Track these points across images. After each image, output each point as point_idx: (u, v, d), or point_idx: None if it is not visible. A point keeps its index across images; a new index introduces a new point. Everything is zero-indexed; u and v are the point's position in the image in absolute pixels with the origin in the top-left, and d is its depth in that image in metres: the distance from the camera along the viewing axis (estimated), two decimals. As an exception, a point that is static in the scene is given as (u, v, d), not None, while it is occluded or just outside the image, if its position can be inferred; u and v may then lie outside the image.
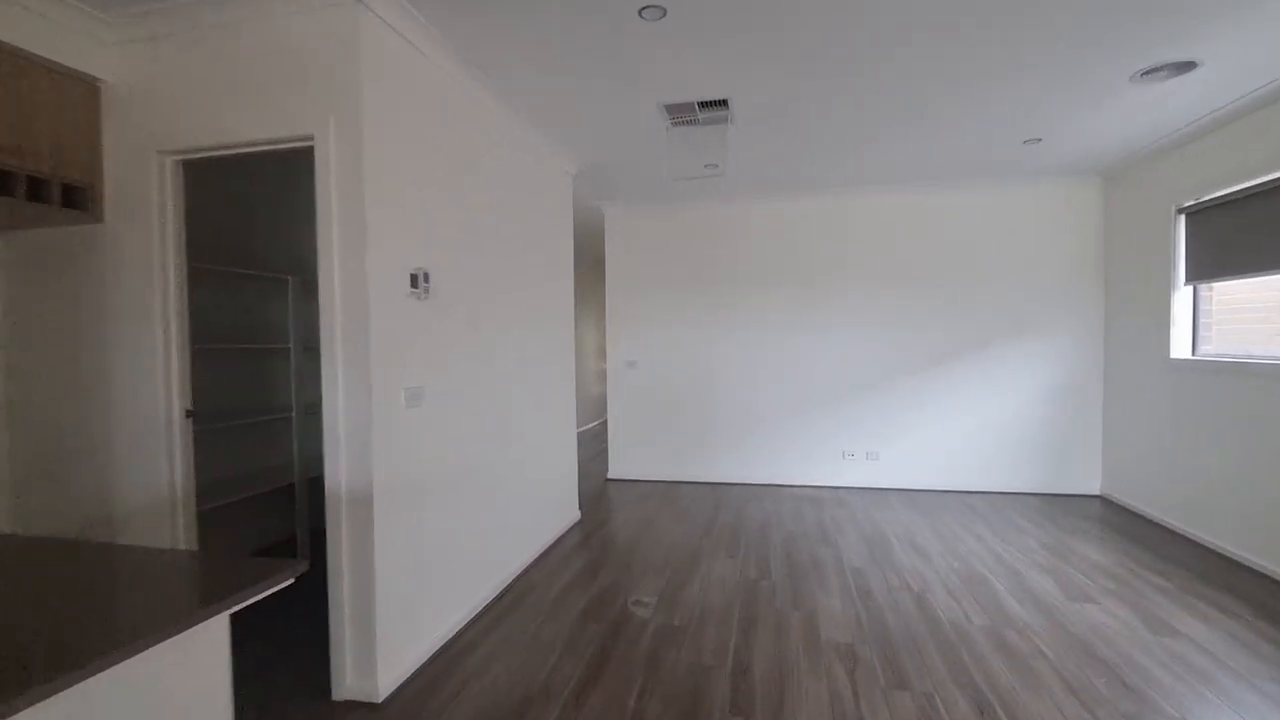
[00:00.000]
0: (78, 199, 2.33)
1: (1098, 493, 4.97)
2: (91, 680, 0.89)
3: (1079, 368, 4.95)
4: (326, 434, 2.24)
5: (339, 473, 2.23)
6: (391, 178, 2.35)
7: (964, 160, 4.46)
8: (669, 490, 5.30)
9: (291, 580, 1.20)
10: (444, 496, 2.69)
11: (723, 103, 3.28)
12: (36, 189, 2.19)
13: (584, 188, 5.08)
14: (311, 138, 2.24)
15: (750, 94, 3.21)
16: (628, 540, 4.00)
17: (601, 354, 9.88)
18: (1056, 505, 4.72)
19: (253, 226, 3.77)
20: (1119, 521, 4.29)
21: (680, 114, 3.39)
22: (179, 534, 2.43)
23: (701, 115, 3.41)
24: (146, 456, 2.41)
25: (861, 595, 3.11)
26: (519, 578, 3.37)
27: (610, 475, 5.76)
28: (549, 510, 3.93)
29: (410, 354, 2.45)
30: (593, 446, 7.44)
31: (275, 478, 3.57)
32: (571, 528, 4.28)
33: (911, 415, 5.22)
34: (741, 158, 4.27)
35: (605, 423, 7.41)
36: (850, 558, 3.63)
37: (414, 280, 2.44)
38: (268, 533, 3.88)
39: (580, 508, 4.71)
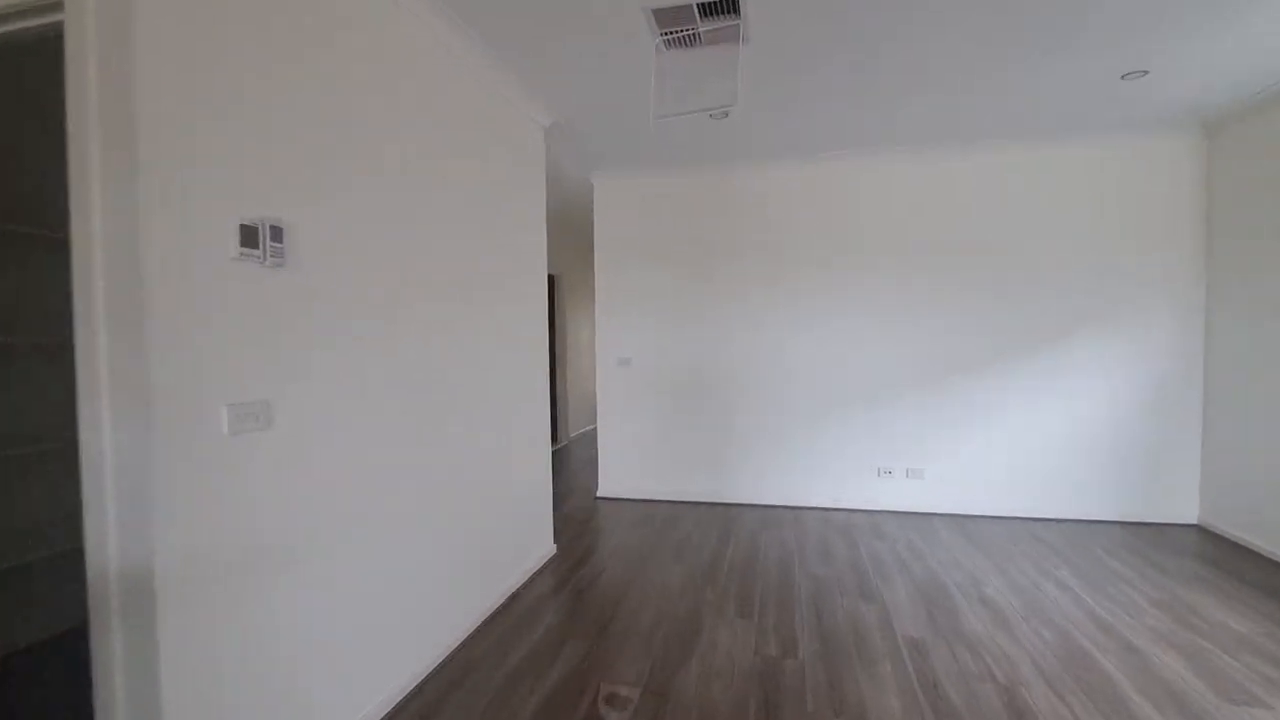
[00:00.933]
0: None
1: (1194, 521, 4.03)
2: None
3: (1172, 368, 4.00)
4: (84, 478, 1.38)
5: (105, 542, 1.38)
6: (215, 71, 1.48)
7: (1040, 109, 3.52)
8: (669, 514, 4.42)
9: None
10: (318, 562, 1.83)
11: (733, 5, 2.38)
12: None
13: (569, 154, 4.20)
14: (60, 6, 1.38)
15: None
16: (610, 589, 3.12)
17: (600, 350, 9.01)
18: (1146, 538, 3.79)
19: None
20: (1235, 562, 3.35)
21: (673, 24, 2.50)
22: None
23: (703, 26, 2.51)
24: None
25: (927, 689, 2.22)
26: (456, 653, 2.51)
27: (600, 493, 4.89)
28: (507, 550, 3.07)
29: (244, 352, 1.58)
30: (585, 453, 6.57)
31: (29, 544, 2.44)
32: (541, 568, 3.41)
33: (963, 425, 4.29)
34: (756, 105, 3.37)
35: (600, 428, 6.55)
36: (902, 621, 2.73)
37: (249, 237, 1.57)
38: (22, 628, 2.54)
39: (558, 538, 3.85)
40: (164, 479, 1.38)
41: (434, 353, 2.45)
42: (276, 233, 1.66)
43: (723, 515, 4.37)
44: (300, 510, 1.75)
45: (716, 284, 4.60)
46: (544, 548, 3.53)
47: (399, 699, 2.17)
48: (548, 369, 3.69)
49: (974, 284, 4.22)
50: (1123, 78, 3.18)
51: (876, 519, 4.24)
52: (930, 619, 2.75)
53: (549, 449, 3.67)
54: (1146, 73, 3.13)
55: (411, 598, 2.26)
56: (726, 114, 3.52)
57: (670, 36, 2.58)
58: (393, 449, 2.17)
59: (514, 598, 3.03)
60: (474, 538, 2.73)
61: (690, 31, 2.54)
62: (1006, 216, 4.17)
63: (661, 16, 2.45)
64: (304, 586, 1.77)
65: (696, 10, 2.41)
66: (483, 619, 2.77)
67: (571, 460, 6.38)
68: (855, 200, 4.37)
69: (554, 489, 5.08)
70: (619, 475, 4.84)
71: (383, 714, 2.08)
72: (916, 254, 4.30)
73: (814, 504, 4.51)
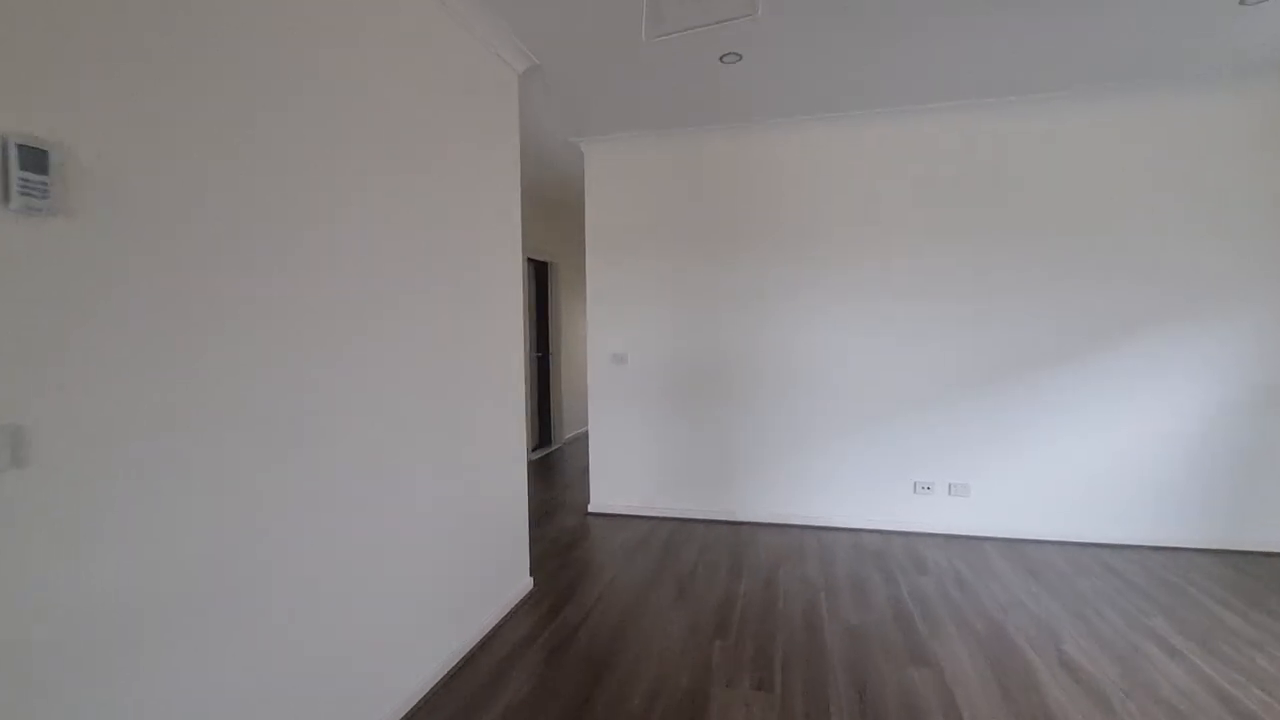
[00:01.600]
0: None
1: (1297, 549, 3.38)
2: None
3: (1273, 369, 3.34)
4: None
5: None
6: None
7: (1118, 52, 2.86)
8: (671, 535, 3.80)
9: None
10: (174, 645, 1.22)
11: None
12: None
13: (553, 112, 3.57)
14: None
15: None
16: (595, 645, 2.51)
17: (600, 345, 8.38)
18: (1247, 572, 3.14)
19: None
20: (1376, 611, 2.70)
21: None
22: None
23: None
24: None
25: (1023, 818, 1.59)
26: (384, 744, 1.91)
27: (593, 507, 4.28)
28: (466, 594, 2.46)
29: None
30: (581, 458, 5.96)
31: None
32: (512, 612, 2.80)
33: (1017, 433, 3.64)
34: (773, 52, 2.73)
35: (596, 431, 5.94)
36: (969, 697, 2.10)
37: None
38: None
39: (538, 569, 3.24)
40: None
41: (356, 350, 1.83)
42: (36, 159, 1.04)
43: (733, 537, 3.75)
44: (117, 575, 1.14)
45: (726, 268, 3.97)
46: (518, 584, 2.92)
47: (288, 829, 1.57)
48: (522, 365, 3.07)
49: (1035, 268, 3.56)
50: (1241, 2, 2.52)
51: (914, 543, 3.60)
52: (1004, 694, 2.12)
53: (524, 462, 3.06)
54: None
55: (305, 680, 1.66)
56: (740, 56, 2.88)
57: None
58: (278, 474, 1.55)
59: (474, 655, 2.42)
60: (416, 584, 2.12)
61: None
62: (1077, 189, 3.50)
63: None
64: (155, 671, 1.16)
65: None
66: (427, 687, 2.16)
67: (565, 466, 5.77)
68: (891, 169, 3.72)
69: (541, 501, 4.48)
70: (614, 487, 4.23)
71: None
72: (964, 232, 3.64)
73: (840, 524, 3.88)
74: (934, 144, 3.65)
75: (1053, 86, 3.32)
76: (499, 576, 2.73)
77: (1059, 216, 3.51)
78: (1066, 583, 3.02)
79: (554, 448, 6.60)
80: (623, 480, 4.20)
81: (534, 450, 6.32)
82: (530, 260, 6.30)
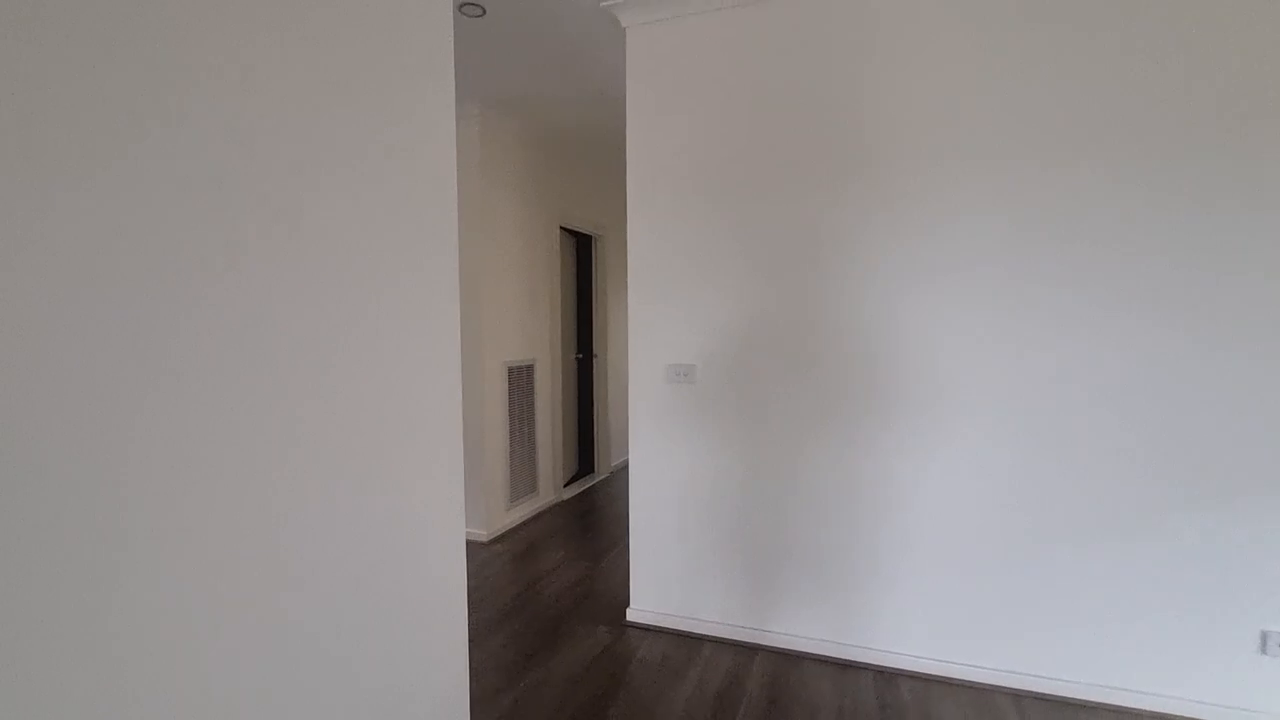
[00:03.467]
0: None
1: None
2: None
3: None
4: None
5: None
6: None
7: None
8: (773, 682, 2.13)
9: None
10: None
11: None
12: None
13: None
14: None
15: None
16: None
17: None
18: None
19: None
20: None
21: None
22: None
23: None
24: None
25: None
26: None
27: (635, 614, 2.66)
28: None
29: None
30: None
31: None
32: None
33: None
34: None
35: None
36: None
37: None
38: None
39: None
40: None
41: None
42: None
43: (891, 703, 2.04)
44: None
45: (855, 227, 2.22)
46: None
47: None
48: (458, 386, 1.49)
49: None
50: None
51: (1268, 760, 1.78)
52: None
53: (461, 557, 1.48)
54: None
55: None
56: None
57: None
58: None
59: None
60: None
61: None
62: None
63: None
64: None
65: None
66: None
67: (608, 511, 4.19)
68: (1140, 41, 1.88)
69: (561, 584, 2.87)
70: (665, 581, 2.58)
71: None
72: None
73: (1084, 692, 2.07)
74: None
75: None
76: None
77: None
78: None
79: (596, 479, 5.03)
80: (679, 567, 2.55)
81: (568, 484, 4.77)
82: (568, 231, 4.74)
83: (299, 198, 0.95)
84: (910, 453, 2.18)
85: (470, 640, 2.52)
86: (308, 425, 0.97)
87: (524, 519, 3.98)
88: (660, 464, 2.52)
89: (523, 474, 4.00)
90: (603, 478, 5.10)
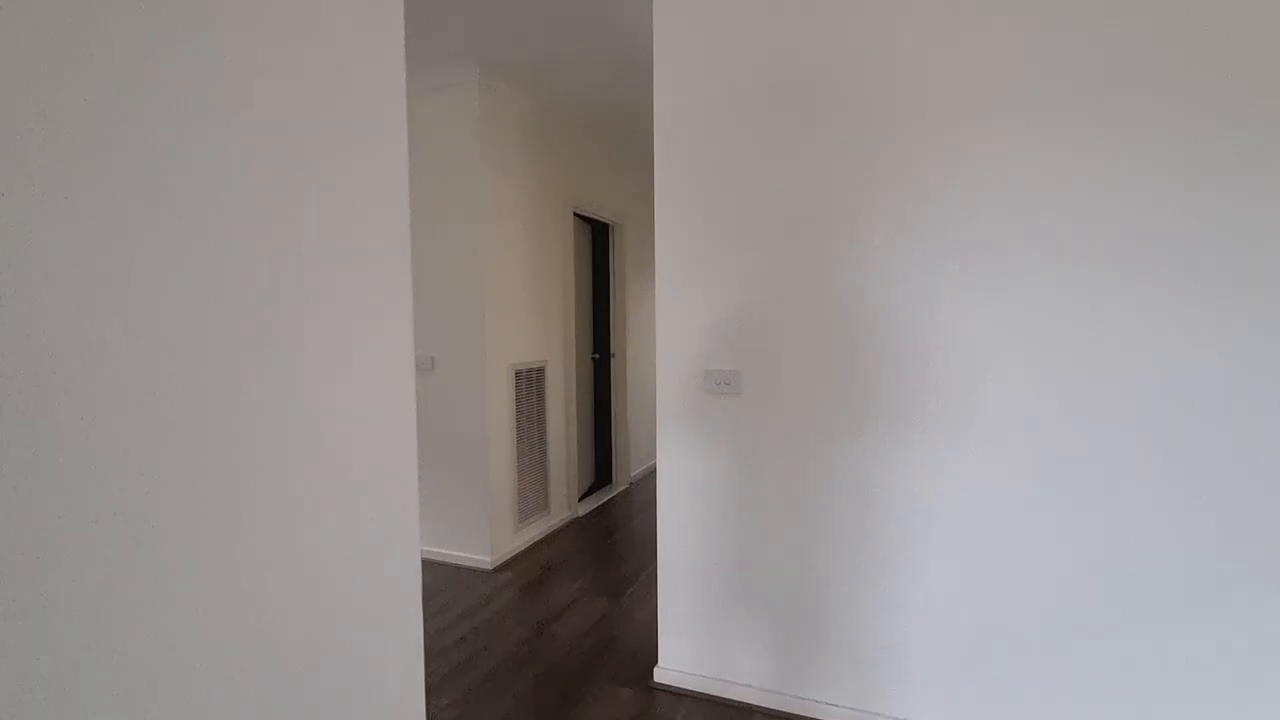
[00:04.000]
0: None
1: None
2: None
3: None
4: None
5: None
6: None
7: None
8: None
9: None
10: None
11: None
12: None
13: None
14: None
15: None
16: None
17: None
18: None
19: None
20: None
21: None
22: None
23: None
24: None
25: None
26: None
27: (661, 676, 2.19)
28: None
29: None
30: (652, 507, 3.91)
31: None
32: None
33: None
34: None
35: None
36: None
37: None
38: None
39: None
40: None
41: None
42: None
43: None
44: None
45: (927, 207, 1.74)
46: None
47: None
48: (410, 406, 1.13)
49: None
50: None
51: None
52: None
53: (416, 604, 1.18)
54: None
55: None
56: None
57: None
58: None
59: None
60: None
61: None
62: None
63: None
64: None
65: None
66: None
67: (630, 527, 3.73)
68: None
69: (574, 629, 2.40)
70: (699, 634, 2.11)
71: None
72: None
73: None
74: None
75: None
76: None
77: None
78: None
79: (615, 492, 4.57)
80: (717, 621, 2.08)
81: (584, 497, 4.32)
82: (582, 219, 4.28)
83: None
84: (1007, 500, 1.70)
85: (467, 701, 2.07)
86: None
87: (534, 540, 3.54)
88: (694, 489, 2.06)
89: (532, 490, 3.55)
90: (621, 489, 4.65)
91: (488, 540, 3.16)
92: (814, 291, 1.84)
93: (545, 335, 3.67)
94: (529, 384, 3.50)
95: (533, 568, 3.19)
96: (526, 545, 3.46)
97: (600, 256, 4.69)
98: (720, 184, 1.94)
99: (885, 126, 1.75)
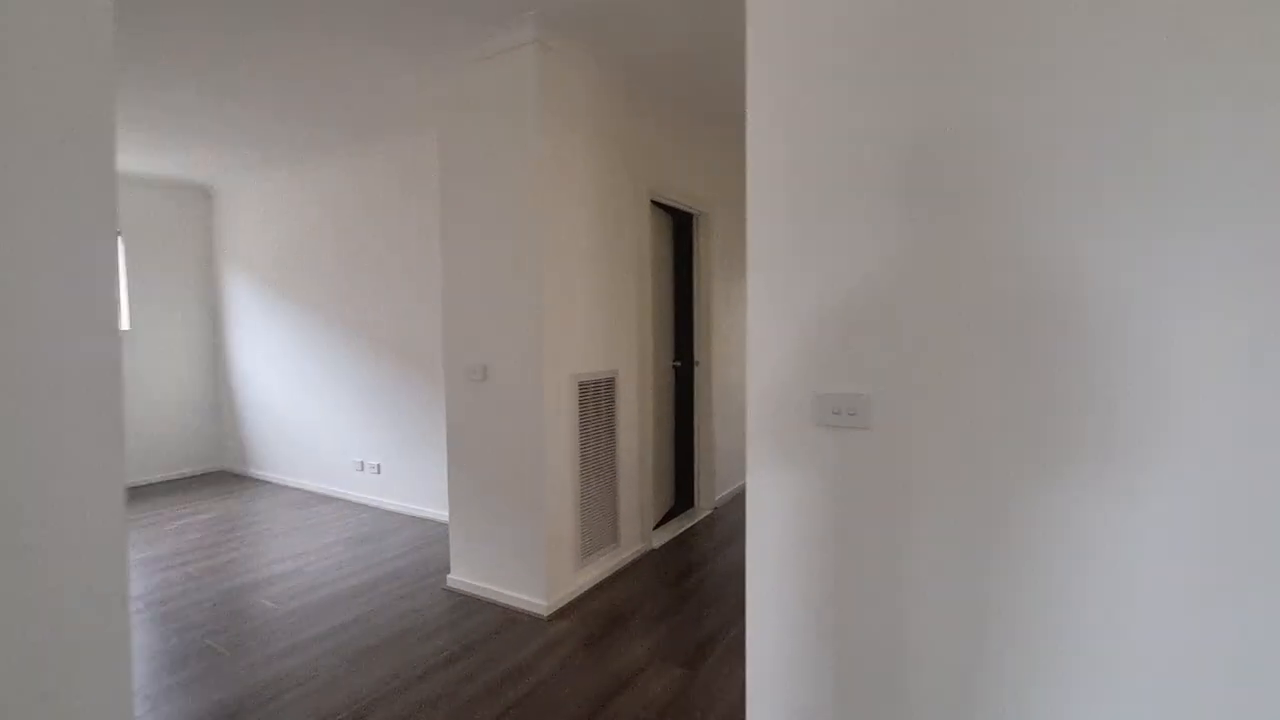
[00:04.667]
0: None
1: None
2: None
3: None
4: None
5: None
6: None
7: None
8: None
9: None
10: None
11: None
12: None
13: None
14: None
15: None
16: None
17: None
18: None
19: None
20: None
21: None
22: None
23: None
24: None
25: None
26: None
27: (755, 791, 1.62)
28: None
29: None
30: (741, 541, 3.31)
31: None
32: None
33: None
34: None
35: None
36: None
37: None
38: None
39: None
40: None
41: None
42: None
43: None
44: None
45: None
46: None
47: None
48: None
49: None
50: None
51: None
52: None
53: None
54: None
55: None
56: None
57: None
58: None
59: None
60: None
61: None
62: None
63: None
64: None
65: None
66: None
67: (715, 562, 3.16)
68: None
69: (649, 704, 1.86)
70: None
71: None
72: None
73: None
74: None
75: None
76: None
77: None
78: None
79: (696, 519, 4.00)
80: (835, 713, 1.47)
81: (660, 525, 3.79)
82: (661, 207, 3.77)
83: None
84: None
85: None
86: None
87: (599, 579, 3.04)
88: (796, 553, 1.46)
89: (598, 520, 3.06)
90: (704, 515, 4.08)
91: (543, 579, 2.69)
92: (977, 283, 1.21)
93: (616, 341, 3.18)
94: (596, 397, 3.01)
95: (596, 616, 2.70)
96: (590, 585, 2.98)
97: (682, 250, 4.15)
98: (835, 138, 1.34)
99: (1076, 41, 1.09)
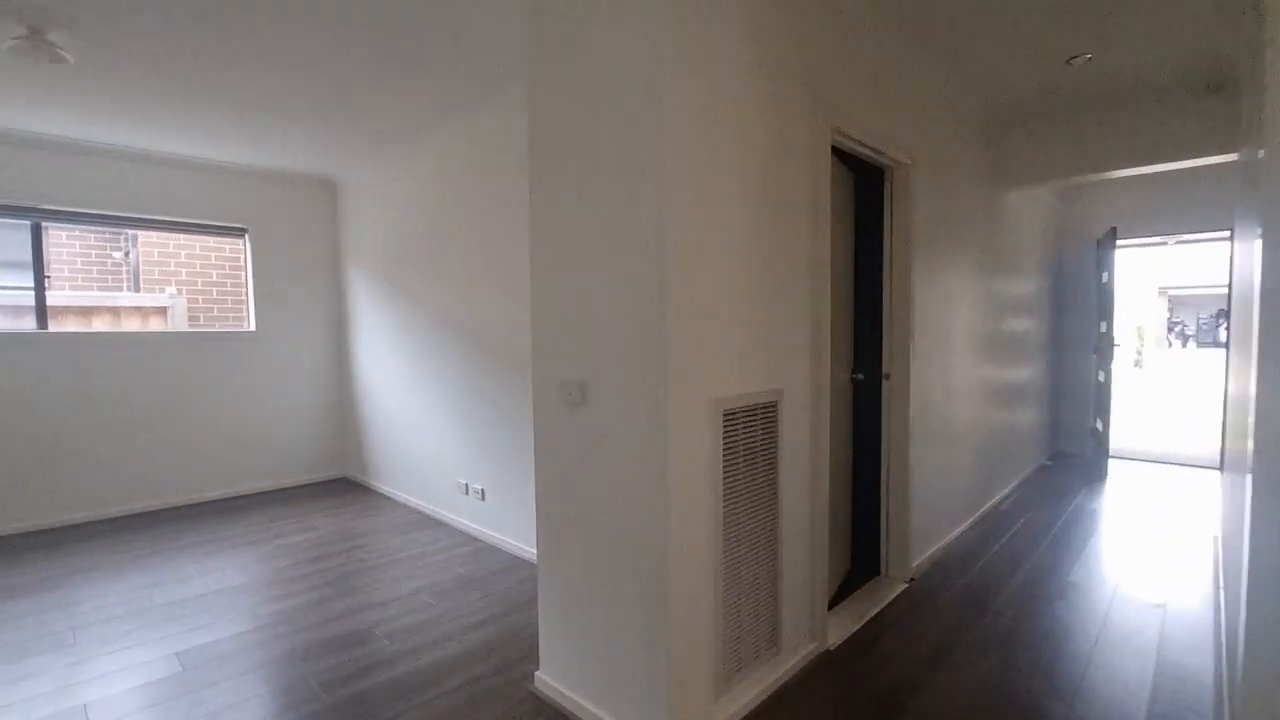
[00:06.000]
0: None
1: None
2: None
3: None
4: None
5: None
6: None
7: None
8: None
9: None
10: None
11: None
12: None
13: None
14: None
15: None
16: None
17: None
18: None
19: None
20: None
21: None
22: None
23: None
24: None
25: None
26: None
27: None
28: None
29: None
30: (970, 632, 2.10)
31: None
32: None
33: None
34: None
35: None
36: None
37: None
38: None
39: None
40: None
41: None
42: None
43: None
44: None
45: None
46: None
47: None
48: None
49: None
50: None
51: None
52: None
53: None
54: None
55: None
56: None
57: None
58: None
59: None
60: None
61: None
62: None
63: None
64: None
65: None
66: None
67: (937, 669, 2.02)
68: None
69: None
70: None
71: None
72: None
73: None
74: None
75: None
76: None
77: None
78: None
79: (893, 593, 2.82)
80: None
81: (835, 604, 2.68)
82: (840, 156, 2.66)
83: None
84: None
85: None
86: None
87: (750, 709, 2.03)
88: None
89: (751, 618, 2.05)
90: (900, 589, 2.89)
91: (664, 708, 1.74)
92: None
93: (779, 352, 2.14)
94: (750, 430, 2.00)
95: (746, 783, 1.69)
96: (739, 717, 1.97)
97: (867, 220, 3.00)
98: None
99: None
